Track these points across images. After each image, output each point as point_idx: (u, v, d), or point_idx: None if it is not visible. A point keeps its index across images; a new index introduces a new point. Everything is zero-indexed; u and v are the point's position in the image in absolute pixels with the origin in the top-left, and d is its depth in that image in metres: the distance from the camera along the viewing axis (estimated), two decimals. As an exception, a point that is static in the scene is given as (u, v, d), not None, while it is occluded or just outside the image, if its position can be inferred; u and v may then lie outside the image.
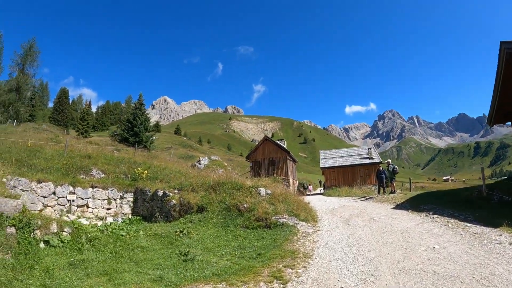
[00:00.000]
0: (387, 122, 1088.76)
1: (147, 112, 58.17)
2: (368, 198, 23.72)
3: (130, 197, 20.13)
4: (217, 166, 45.90)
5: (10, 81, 64.37)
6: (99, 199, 18.71)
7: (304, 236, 11.89)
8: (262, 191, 16.08)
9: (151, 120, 58.99)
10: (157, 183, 19.91)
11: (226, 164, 49.11)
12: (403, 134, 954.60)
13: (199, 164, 46.41)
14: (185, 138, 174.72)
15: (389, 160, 25.60)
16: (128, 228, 14.13)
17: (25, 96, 66.12)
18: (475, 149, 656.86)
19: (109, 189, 19.39)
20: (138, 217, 18.51)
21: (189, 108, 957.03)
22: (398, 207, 17.66)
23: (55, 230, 10.73)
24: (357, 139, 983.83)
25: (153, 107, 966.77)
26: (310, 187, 62.78)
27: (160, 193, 17.96)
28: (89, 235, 11.41)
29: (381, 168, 26.43)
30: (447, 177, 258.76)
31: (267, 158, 48.03)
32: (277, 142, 49.98)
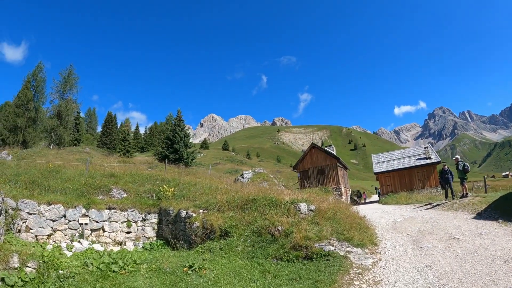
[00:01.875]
0: (438, 120, 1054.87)
1: (186, 128, 56.40)
2: (436, 205, 19.78)
3: (154, 218, 17.86)
4: (262, 179, 42.80)
5: (52, 108, 65.68)
6: (116, 222, 16.65)
7: (359, 273, 8.46)
8: (303, 207, 12.73)
9: (202, 138, 57.33)
10: (183, 201, 17.31)
11: (272, 177, 45.78)
12: (456, 131, 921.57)
13: (242, 178, 43.36)
14: (233, 153, 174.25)
15: (458, 157, 21.50)
16: (129, 260, 11.40)
17: (67, 121, 66.72)
18: None
19: (129, 210, 17.22)
20: (161, 242, 16.25)
21: (237, 123, 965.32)
22: (481, 216, 13.80)
23: (16, 265, 8.48)
24: (408, 141, 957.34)
25: (202, 125, 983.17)
26: (365, 195, 59.05)
27: (183, 213, 15.34)
28: (63, 272, 8.97)
29: (446, 167, 22.39)
30: (507, 173, 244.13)
31: (315, 167, 44.48)
32: (325, 148, 46.50)
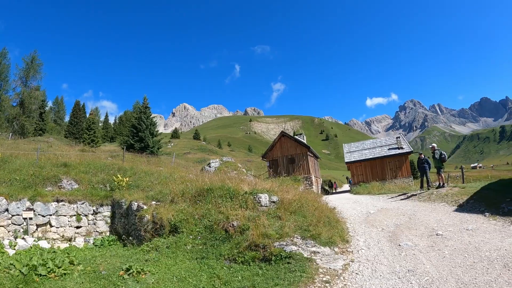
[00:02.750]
0: (408, 112, 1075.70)
1: (153, 116, 54.06)
2: (411, 196, 18.41)
3: (106, 211, 16.00)
4: (230, 168, 41.10)
5: (14, 96, 63.74)
6: (65, 216, 14.76)
7: (326, 281, 6.79)
8: (264, 198, 11.01)
9: (174, 127, 55.28)
10: (136, 192, 15.36)
11: (240, 166, 44.00)
12: (426, 123, 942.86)
13: (209, 167, 41.52)
14: (204, 143, 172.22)
15: (434, 145, 20.04)
16: (63, 261, 9.43)
17: (30, 109, 63.71)
18: (501, 133, 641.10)
19: (79, 202, 15.32)
20: (113, 238, 14.44)
21: (209, 113, 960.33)
22: (464, 208, 12.33)
23: None
24: (379, 132, 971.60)
25: (173, 114, 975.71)
26: (335, 185, 58.21)
27: (135, 205, 13.60)
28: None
29: (423, 156, 20.98)
30: (475, 164, 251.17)
31: (285, 156, 42.89)
32: (296, 137, 44.88)
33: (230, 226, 9.68)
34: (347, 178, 71.67)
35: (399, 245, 8.74)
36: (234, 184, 12.44)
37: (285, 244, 8.35)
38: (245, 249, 8.53)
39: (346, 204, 19.63)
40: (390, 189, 26.83)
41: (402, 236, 9.61)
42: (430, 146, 20.24)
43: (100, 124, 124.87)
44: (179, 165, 37.19)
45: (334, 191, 52.86)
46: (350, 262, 7.84)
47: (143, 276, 7.96)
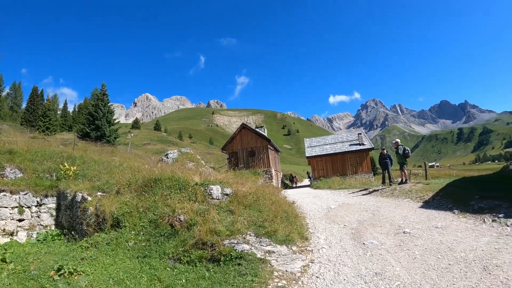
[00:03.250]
0: (370, 111, 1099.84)
1: (111, 104, 51.90)
2: (373, 191, 17.71)
3: (51, 203, 14.22)
4: (188, 159, 39.82)
5: None
6: (6, 208, 13.02)
7: (282, 287, 5.82)
8: (216, 190, 9.89)
9: (136, 117, 53.06)
10: (84, 182, 13.85)
11: (199, 157, 42.65)
12: (386, 122, 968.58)
13: (167, 158, 40.06)
14: (165, 134, 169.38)
15: (398, 140, 19.48)
16: None
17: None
18: (458, 135, 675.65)
19: (21, 193, 13.57)
20: (58, 232, 12.99)
21: (172, 104, 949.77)
22: (430, 205, 11.59)
23: None
24: (340, 129, 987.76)
25: (135, 105, 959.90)
26: (296, 179, 57.90)
27: (79, 196, 12.10)
28: None
29: (385, 151, 20.41)
30: (433, 163, 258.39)
31: (245, 148, 41.85)
32: (257, 130, 43.79)
33: (177, 220, 8.58)
34: (307, 173, 71.44)
35: (364, 243, 7.87)
36: (184, 174, 11.27)
37: (236, 242, 7.33)
38: (191, 247, 7.47)
39: (306, 198, 18.81)
40: (351, 184, 26.25)
41: (366, 233, 8.76)
42: (394, 142, 19.64)
43: (58, 112, 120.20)
44: (136, 156, 35.64)
45: (295, 185, 52.30)
46: (310, 263, 6.91)
47: (76, 277, 6.79)
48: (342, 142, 42.66)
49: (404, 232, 8.36)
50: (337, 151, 40.78)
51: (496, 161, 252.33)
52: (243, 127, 43.30)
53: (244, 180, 12.28)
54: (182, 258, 7.31)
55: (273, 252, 7.16)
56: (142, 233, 8.80)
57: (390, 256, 6.78)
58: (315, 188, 29.92)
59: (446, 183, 14.46)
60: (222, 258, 6.92)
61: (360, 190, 19.51)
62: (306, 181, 59.33)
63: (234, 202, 9.53)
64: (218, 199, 9.67)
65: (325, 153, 40.99)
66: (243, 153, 41.82)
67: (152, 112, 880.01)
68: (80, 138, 44.25)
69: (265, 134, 44.07)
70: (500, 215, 8.54)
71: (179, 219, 8.58)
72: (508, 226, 7.80)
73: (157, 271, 6.89)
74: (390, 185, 18.57)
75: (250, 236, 7.67)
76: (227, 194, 9.93)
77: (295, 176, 61.24)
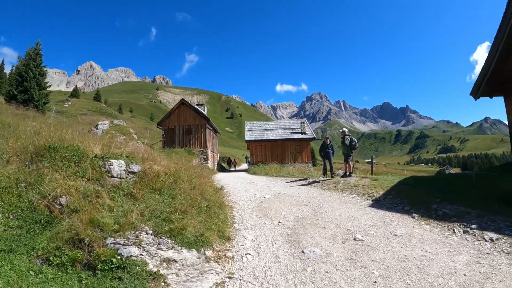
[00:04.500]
0: (314, 104, 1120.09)
1: (45, 66, 47.16)
2: (313, 182, 15.94)
3: None
4: (120, 132, 36.72)
5: None
6: None
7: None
8: (117, 167, 7.38)
9: (78, 86, 48.57)
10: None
11: (132, 131, 39.51)
12: (329, 116, 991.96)
13: (97, 129, 36.67)
14: (104, 105, 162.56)
15: (345, 129, 17.73)
16: None
17: None
18: (396, 136, 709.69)
19: None
20: None
21: (116, 75, 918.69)
22: (382, 205, 9.74)
23: None
24: (284, 118, 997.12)
25: (78, 72, 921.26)
26: (234, 162, 57.53)
27: None
28: None
29: (328, 140, 18.75)
30: (369, 160, 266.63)
31: (182, 126, 39.23)
32: (196, 107, 41.17)
33: (56, 203, 6.18)
34: (246, 157, 70.08)
35: (303, 251, 5.87)
36: (84, 144, 8.74)
37: (122, 243, 5.02)
38: (65, 244, 5.14)
39: (240, 184, 16.82)
40: (289, 172, 24.59)
41: (306, 236, 6.78)
42: (341, 130, 17.84)
43: None
44: (63, 124, 32.20)
45: (233, 169, 51.72)
46: (227, 280, 4.81)
47: None
48: (284, 129, 41.41)
49: (355, 239, 6.43)
50: (278, 138, 39.47)
51: (429, 164, 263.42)
52: (182, 103, 40.68)
53: (161, 157, 9.99)
54: (52, 258, 4.99)
55: (174, 260, 4.90)
56: (11, 217, 6.35)
57: (340, 276, 4.81)
58: (251, 173, 28.25)
59: (397, 180, 12.76)
60: (99, 266, 4.69)
61: (299, 180, 17.77)
62: (245, 166, 58.03)
63: (141, 184, 7.22)
64: (119, 178, 7.26)
65: (265, 138, 39.50)
66: (179, 130, 39.21)
67: (95, 82, 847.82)
68: (7, 101, 39.95)
69: (205, 113, 41.69)
70: (472, 226, 6.80)
71: (60, 202, 6.19)
72: (486, 241, 6.05)
73: (17, 275, 4.56)
74: (332, 177, 16.94)
75: (146, 234, 5.36)
76: (133, 172, 7.55)
77: (234, 159, 59.86)
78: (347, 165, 16.54)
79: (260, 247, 6.25)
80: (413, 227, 7.20)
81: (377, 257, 5.50)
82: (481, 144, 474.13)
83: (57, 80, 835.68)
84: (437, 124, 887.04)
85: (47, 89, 46.84)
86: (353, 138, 16.71)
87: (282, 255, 5.79)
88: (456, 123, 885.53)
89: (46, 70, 47.11)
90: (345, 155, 16.71)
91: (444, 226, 7.11)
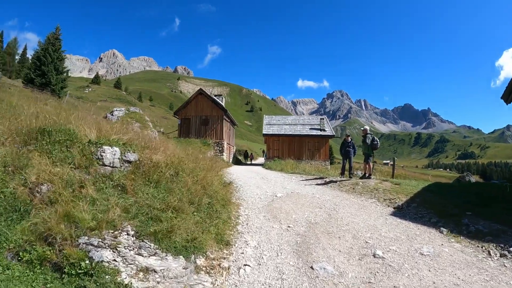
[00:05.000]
0: (335, 101, 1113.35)
1: (63, 50, 46.82)
2: (329, 182, 14.94)
3: None
4: (135, 119, 36.19)
5: None
6: None
7: None
8: (110, 154, 6.52)
9: (100, 74, 48.37)
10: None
11: (148, 119, 38.97)
12: (349, 115, 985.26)
13: (112, 115, 36.29)
14: (124, 93, 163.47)
15: (367, 128, 16.67)
16: None
17: None
18: (416, 139, 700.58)
19: None
20: None
21: (138, 64, 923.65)
22: (405, 214, 8.70)
23: None
24: (303, 114, 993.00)
25: (101, 60, 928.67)
26: (252, 156, 57.56)
27: None
28: None
29: (349, 138, 17.63)
30: (387, 161, 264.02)
31: (199, 116, 38.62)
32: (214, 98, 40.43)
33: (37, 192, 5.41)
34: (263, 151, 69.38)
35: (312, 267, 4.99)
36: (79, 127, 7.92)
37: (96, 243, 4.19)
38: (37, 239, 4.38)
39: (252, 179, 16.01)
40: (305, 169, 23.60)
41: (317, 247, 5.89)
42: (363, 129, 16.71)
43: (17, 57, 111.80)
44: (74, 109, 31.71)
45: (249, 162, 51.20)
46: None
47: None
48: (303, 124, 40.47)
49: (374, 256, 5.51)
50: (296, 133, 38.53)
51: (448, 169, 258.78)
52: (200, 93, 40.00)
53: (165, 145, 9.14)
54: (22, 254, 4.23)
55: (154, 270, 4.04)
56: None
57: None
58: (266, 168, 27.41)
59: (421, 186, 11.71)
60: (66, 269, 3.90)
61: (315, 178, 16.82)
62: (262, 160, 57.48)
63: (135, 174, 6.40)
64: (112, 167, 6.43)
65: (283, 133, 38.63)
66: (196, 120, 38.62)
67: (117, 70, 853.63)
68: (25, 84, 39.85)
69: (223, 104, 40.92)
70: (511, 248, 5.80)
71: (40, 190, 5.42)
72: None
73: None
74: (350, 177, 15.95)
75: (128, 234, 4.52)
76: (128, 161, 6.72)
77: (251, 153, 59.29)
78: (367, 166, 15.54)
79: (262, 257, 5.39)
80: (442, 244, 6.22)
81: (400, 283, 4.58)
82: (502, 152, 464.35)
83: (79, 67, 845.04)
84: (458, 129, 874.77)
85: (67, 74, 46.79)
86: (375, 137, 15.67)
87: (287, 270, 4.93)
88: (478, 129, 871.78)
89: (64, 55, 47.09)
90: (366, 155, 15.69)
91: (478, 246, 6.12)
